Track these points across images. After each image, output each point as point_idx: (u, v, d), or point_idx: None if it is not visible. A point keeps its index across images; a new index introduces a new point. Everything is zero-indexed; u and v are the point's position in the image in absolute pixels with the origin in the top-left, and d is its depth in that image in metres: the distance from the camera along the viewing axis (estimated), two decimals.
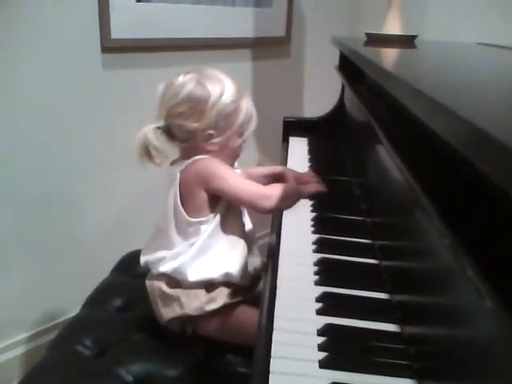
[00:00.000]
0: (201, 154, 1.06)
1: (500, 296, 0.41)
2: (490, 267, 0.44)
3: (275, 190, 1.08)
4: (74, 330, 1.12)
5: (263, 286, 0.82)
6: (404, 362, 0.65)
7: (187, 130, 1.04)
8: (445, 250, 0.55)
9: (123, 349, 1.03)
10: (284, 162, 1.46)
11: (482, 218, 0.52)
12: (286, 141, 1.67)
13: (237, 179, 1.06)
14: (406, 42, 1.48)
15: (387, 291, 0.81)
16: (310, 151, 1.58)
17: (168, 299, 1.04)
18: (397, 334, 0.71)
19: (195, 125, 1.03)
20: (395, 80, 0.66)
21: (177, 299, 1.03)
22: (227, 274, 1.04)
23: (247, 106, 1.09)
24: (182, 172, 1.05)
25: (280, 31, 2.22)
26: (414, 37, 1.49)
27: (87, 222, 1.67)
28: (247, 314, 1.04)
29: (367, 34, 1.55)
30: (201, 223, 1.04)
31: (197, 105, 1.03)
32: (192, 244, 1.04)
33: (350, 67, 1.50)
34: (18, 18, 1.37)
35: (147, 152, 1.03)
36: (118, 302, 1.21)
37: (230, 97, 1.04)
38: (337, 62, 1.73)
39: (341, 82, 1.76)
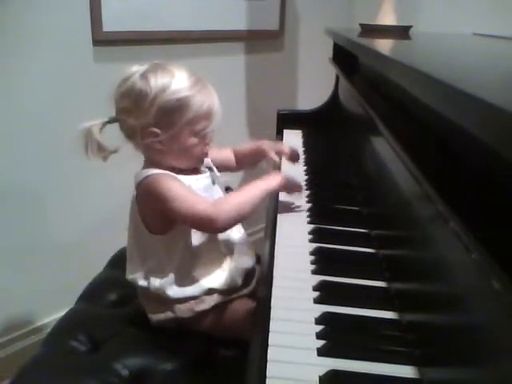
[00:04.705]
0: (154, 156, 1.00)
1: (509, 277, 0.40)
2: (492, 248, 0.44)
3: (227, 205, 0.96)
4: (68, 325, 1.10)
5: (259, 276, 0.81)
6: (402, 349, 0.64)
7: (128, 127, 0.97)
8: (446, 236, 0.54)
9: (118, 343, 1.01)
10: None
11: (484, 202, 0.52)
12: (280, 133, 1.66)
13: (181, 201, 0.94)
14: (401, 32, 1.47)
15: (385, 279, 0.80)
16: (305, 143, 1.57)
17: (158, 303, 1.03)
18: (395, 322, 0.70)
19: (135, 121, 0.95)
20: (392, 62, 0.65)
21: (167, 303, 1.01)
22: (210, 289, 1.01)
23: (201, 102, 0.96)
24: (137, 186, 0.99)
25: (273, 24, 2.21)
26: (408, 27, 1.48)
27: (78, 219, 1.66)
28: (242, 309, 1.02)
29: (361, 25, 1.54)
30: (163, 242, 1.00)
31: (137, 100, 0.94)
32: (163, 269, 1.01)
33: (343, 58, 1.50)
34: (9, 10, 1.34)
35: (88, 145, 0.97)
36: (112, 296, 1.20)
37: (174, 92, 0.94)
38: (330, 55, 1.72)
39: (334, 75, 1.75)
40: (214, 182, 1.09)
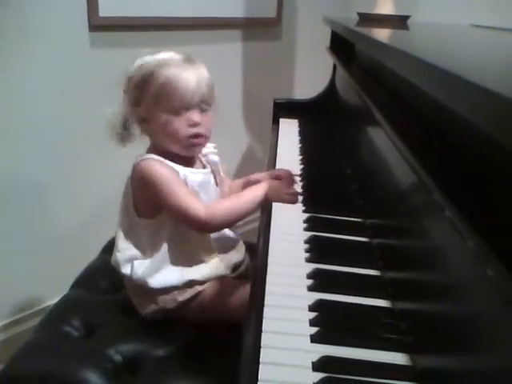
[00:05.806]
0: (153, 141, 1.02)
1: (503, 265, 0.40)
2: (488, 236, 0.44)
3: (219, 212, 0.96)
4: (62, 310, 1.10)
5: (254, 263, 0.81)
6: (394, 337, 0.65)
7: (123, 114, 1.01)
8: (441, 224, 0.55)
9: (112, 329, 1.02)
10: (274, 143, 1.45)
11: (480, 190, 0.52)
12: (276, 122, 1.65)
13: (174, 195, 0.94)
14: (399, 22, 1.47)
15: (378, 268, 0.80)
16: (301, 133, 1.57)
17: (142, 296, 1.03)
18: (388, 309, 0.70)
19: (128, 107, 0.99)
20: (389, 50, 0.65)
21: (151, 295, 1.01)
22: (192, 281, 1.01)
23: (165, 77, 0.94)
24: (133, 168, 0.99)
25: (271, 12, 2.19)
26: (406, 17, 1.48)
27: (78, 206, 1.65)
28: (227, 288, 1.02)
29: (359, 14, 1.53)
30: (151, 227, 1.00)
31: (128, 86, 0.99)
32: (146, 253, 1.01)
33: (341, 47, 1.49)
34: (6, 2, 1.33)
35: (112, 135, 1.01)
36: (106, 282, 1.20)
37: (140, 67, 0.97)
38: (328, 43, 1.71)
39: (331, 64, 1.75)
40: (216, 184, 1.08)
